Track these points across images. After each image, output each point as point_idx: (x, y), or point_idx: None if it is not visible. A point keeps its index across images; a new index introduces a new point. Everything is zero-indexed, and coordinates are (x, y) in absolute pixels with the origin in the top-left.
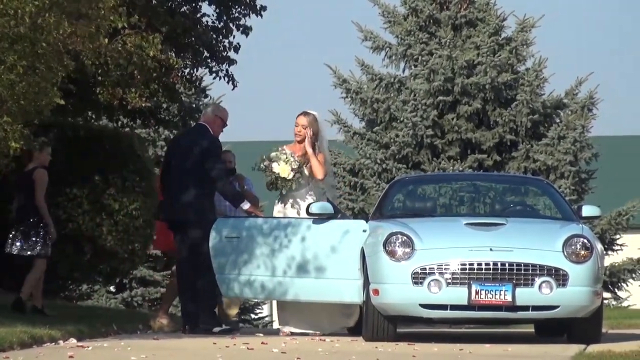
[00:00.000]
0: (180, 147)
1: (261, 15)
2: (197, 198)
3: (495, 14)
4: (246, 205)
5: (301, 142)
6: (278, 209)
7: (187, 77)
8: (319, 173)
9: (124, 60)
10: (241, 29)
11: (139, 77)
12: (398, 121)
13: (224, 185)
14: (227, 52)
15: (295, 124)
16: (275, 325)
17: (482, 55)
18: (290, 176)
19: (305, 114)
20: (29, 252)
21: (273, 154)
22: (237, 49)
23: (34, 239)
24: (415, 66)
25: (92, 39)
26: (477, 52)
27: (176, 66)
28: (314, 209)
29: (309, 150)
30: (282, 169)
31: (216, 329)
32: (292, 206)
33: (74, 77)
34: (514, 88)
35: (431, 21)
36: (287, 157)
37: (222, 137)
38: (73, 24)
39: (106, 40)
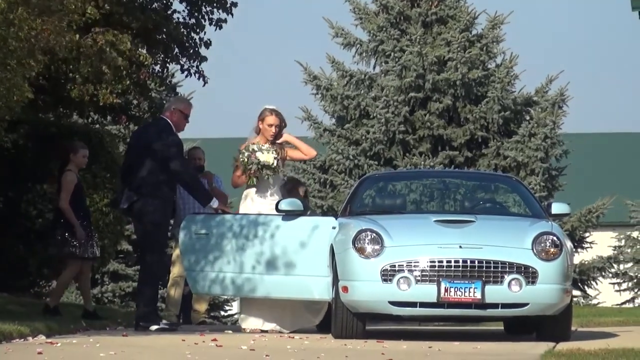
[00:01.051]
0: (138, 140)
1: (232, 14)
2: (152, 193)
3: (466, 11)
4: (215, 204)
5: (275, 140)
6: (245, 208)
7: (158, 73)
8: (311, 150)
9: (95, 56)
10: (214, 22)
11: (109, 72)
12: (369, 117)
13: (187, 181)
14: (198, 49)
15: (269, 125)
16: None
17: (452, 51)
18: (275, 163)
19: (274, 112)
20: (55, 253)
21: (253, 146)
22: (207, 44)
23: (59, 239)
24: (387, 62)
25: (62, 34)
26: (447, 49)
27: (146, 63)
28: (284, 205)
29: (292, 138)
30: (267, 157)
31: (154, 328)
32: (257, 205)
33: (45, 73)
34: (485, 85)
35: (402, 18)
36: (267, 148)
37: (192, 134)
38: (44, 19)
39: (77, 35)
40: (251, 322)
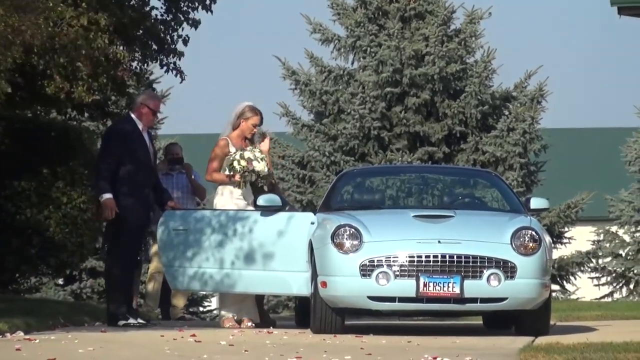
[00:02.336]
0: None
1: (211, 11)
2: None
3: (443, 6)
4: (171, 203)
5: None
6: (222, 203)
7: (136, 70)
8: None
9: (71, 46)
10: (190, 21)
11: (85, 65)
12: (346, 113)
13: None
14: (176, 45)
15: (253, 124)
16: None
17: (430, 45)
18: (267, 171)
19: (259, 113)
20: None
21: (246, 154)
22: (186, 41)
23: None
24: (364, 58)
25: (40, 31)
26: (425, 43)
27: (123, 60)
28: (262, 201)
29: (266, 148)
30: (262, 167)
31: (121, 323)
32: (233, 200)
33: (23, 69)
34: (463, 79)
35: (380, 13)
36: (256, 154)
37: (170, 130)
38: (21, 17)
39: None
40: (229, 318)
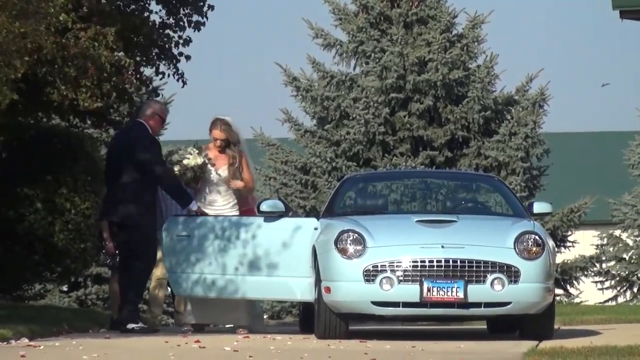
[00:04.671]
0: (117, 145)
1: (206, 17)
2: (135, 199)
3: (446, 11)
4: (195, 207)
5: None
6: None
7: (138, 77)
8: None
9: (80, 56)
10: (192, 24)
11: (93, 73)
12: (349, 119)
13: (170, 185)
14: (178, 48)
15: (214, 138)
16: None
17: (433, 52)
18: (201, 161)
19: (221, 126)
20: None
21: (174, 157)
22: (187, 42)
23: (97, 250)
24: (367, 63)
25: (41, 36)
26: (428, 49)
27: (127, 66)
28: (265, 207)
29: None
30: (192, 159)
31: (131, 326)
32: (211, 204)
33: (26, 76)
34: (465, 85)
35: (382, 18)
36: (189, 151)
37: (171, 136)
38: (23, 24)
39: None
40: (189, 318)
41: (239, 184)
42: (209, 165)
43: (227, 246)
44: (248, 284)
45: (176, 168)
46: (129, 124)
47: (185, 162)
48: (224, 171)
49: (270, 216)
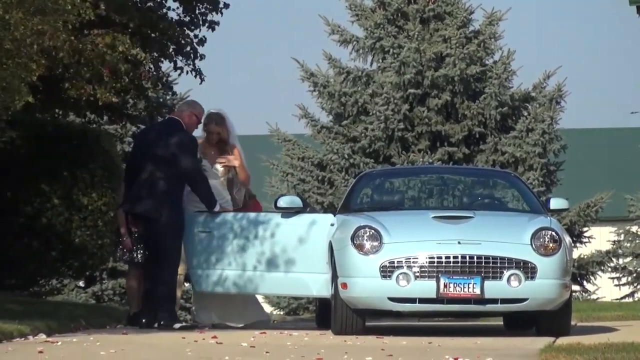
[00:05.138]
0: (150, 140)
1: (221, 13)
2: (165, 193)
3: (463, 7)
4: (217, 207)
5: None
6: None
7: (154, 72)
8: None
9: (97, 60)
10: (207, 23)
11: (109, 75)
12: (367, 114)
13: (202, 185)
14: (195, 45)
15: (209, 132)
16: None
17: (450, 47)
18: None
19: (214, 120)
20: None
21: None
22: (202, 42)
23: (114, 246)
24: (384, 59)
25: (60, 36)
26: (445, 45)
27: (144, 62)
28: (283, 203)
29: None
30: None
31: (176, 325)
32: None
33: (42, 73)
34: (483, 81)
35: (399, 14)
36: None
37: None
38: (40, 19)
39: (73, 38)
40: (203, 316)
41: (230, 157)
42: (204, 161)
43: (246, 243)
44: (266, 281)
45: None
46: (163, 119)
47: None
48: (219, 166)
49: (288, 212)
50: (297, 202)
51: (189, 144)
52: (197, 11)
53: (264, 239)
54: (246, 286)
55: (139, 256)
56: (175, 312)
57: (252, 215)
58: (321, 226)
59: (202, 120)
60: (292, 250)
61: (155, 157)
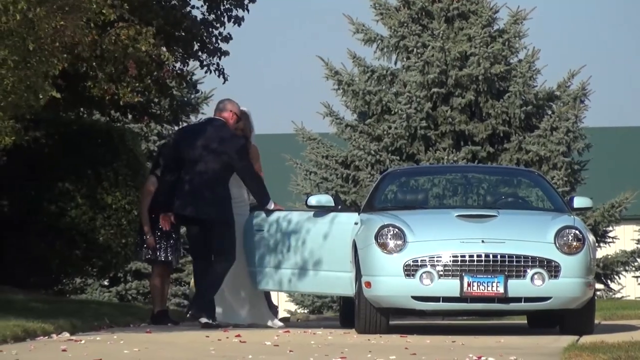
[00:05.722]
0: (200, 141)
1: (247, 10)
2: (223, 195)
3: (487, 6)
4: (271, 205)
5: None
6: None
7: (178, 71)
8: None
9: (119, 53)
10: (232, 19)
11: (134, 71)
12: (391, 113)
13: (259, 184)
14: (218, 44)
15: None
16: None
17: (474, 46)
18: None
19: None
20: (137, 258)
21: None
22: (227, 39)
23: (137, 242)
24: (408, 58)
25: (83, 32)
26: (469, 44)
27: (167, 61)
28: (314, 201)
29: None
30: None
31: (204, 320)
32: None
33: (67, 72)
34: (507, 80)
35: (423, 13)
36: None
37: None
38: (64, 17)
39: (97, 36)
40: (203, 317)
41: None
42: None
43: (297, 241)
44: (316, 279)
45: None
46: (206, 120)
47: None
48: None
49: (320, 210)
50: (328, 200)
51: (244, 144)
52: (221, 7)
53: (314, 237)
54: (296, 284)
55: (163, 255)
56: (203, 306)
57: (300, 214)
58: (345, 224)
59: (224, 106)
60: (340, 249)
61: (208, 158)
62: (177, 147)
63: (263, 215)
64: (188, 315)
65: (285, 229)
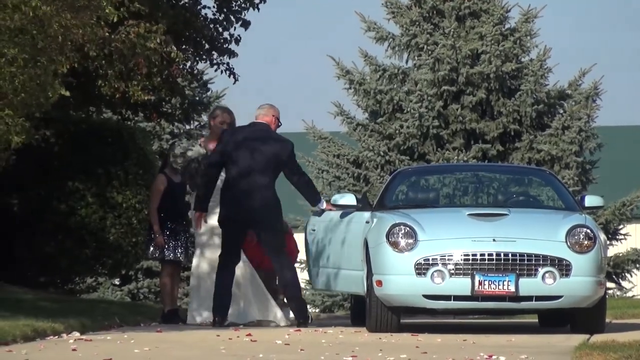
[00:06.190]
0: (250, 145)
1: (258, 9)
2: (274, 199)
3: (499, 5)
4: (323, 204)
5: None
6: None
7: (189, 70)
8: None
9: (127, 51)
10: (240, 22)
11: (144, 69)
12: (402, 112)
13: (308, 185)
14: (229, 45)
15: (220, 122)
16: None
17: (486, 44)
18: (204, 151)
19: (226, 111)
20: (146, 257)
21: (177, 150)
22: (237, 41)
23: (146, 241)
24: (420, 56)
25: (92, 30)
26: (481, 42)
27: (177, 60)
28: (340, 200)
29: None
30: (196, 149)
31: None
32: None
33: (76, 70)
34: (518, 78)
35: (435, 12)
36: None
37: None
38: (73, 15)
39: (107, 33)
40: (204, 315)
41: None
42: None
43: (343, 240)
44: (352, 278)
45: (179, 160)
46: (251, 124)
47: (189, 153)
48: None
49: (345, 209)
50: (352, 199)
51: (293, 147)
52: (232, 8)
53: (354, 237)
54: (341, 283)
55: (172, 254)
56: (305, 307)
57: (332, 213)
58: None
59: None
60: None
61: (262, 163)
62: (224, 151)
63: (316, 216)
64: (298, 324)
65: (333, 228)
